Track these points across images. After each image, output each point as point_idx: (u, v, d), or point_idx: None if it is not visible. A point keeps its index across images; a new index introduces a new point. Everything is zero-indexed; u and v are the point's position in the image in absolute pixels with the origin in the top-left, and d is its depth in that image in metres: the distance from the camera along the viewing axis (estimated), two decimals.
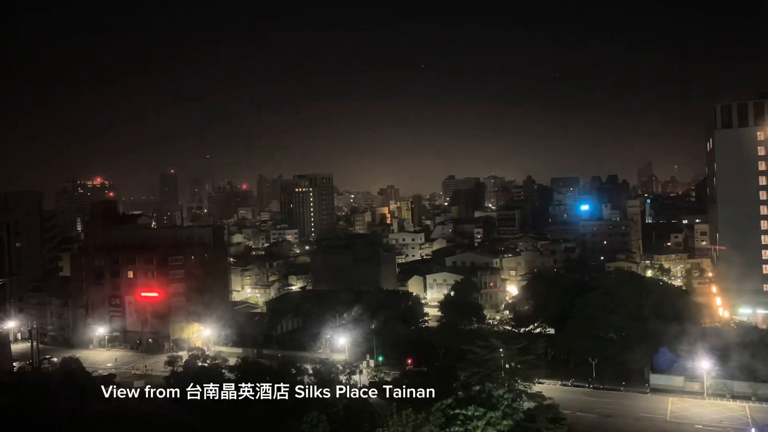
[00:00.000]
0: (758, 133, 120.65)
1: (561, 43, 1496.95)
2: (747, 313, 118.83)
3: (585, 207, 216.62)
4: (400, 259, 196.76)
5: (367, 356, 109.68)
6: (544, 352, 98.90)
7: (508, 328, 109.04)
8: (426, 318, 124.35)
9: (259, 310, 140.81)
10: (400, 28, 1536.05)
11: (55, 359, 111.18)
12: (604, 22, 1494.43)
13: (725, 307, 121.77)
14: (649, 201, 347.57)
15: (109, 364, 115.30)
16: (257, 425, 68.10)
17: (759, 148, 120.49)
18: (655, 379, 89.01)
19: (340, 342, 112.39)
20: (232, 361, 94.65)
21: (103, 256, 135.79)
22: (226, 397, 74.95)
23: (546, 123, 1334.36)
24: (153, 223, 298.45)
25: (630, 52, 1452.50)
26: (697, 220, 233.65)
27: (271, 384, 74.42)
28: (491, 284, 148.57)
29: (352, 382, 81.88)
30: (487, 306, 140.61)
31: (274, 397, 69.42)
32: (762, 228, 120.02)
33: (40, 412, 75.14)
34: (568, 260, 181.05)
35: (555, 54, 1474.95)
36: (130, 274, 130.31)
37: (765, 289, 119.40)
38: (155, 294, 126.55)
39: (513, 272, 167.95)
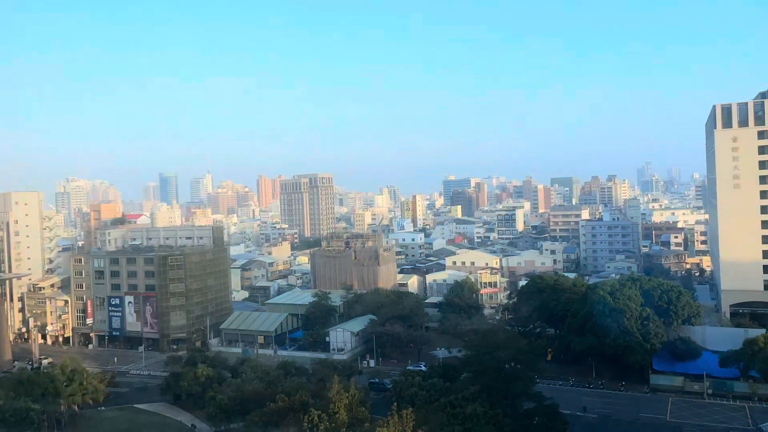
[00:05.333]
0: (758, 133, 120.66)
1: (560, 44, 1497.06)
2: (747, 312, 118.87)
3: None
4: (400, 259, 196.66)
5: (367, 356, 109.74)
6: (544, 352, 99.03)
7: (508, 328, 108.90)
8: (426, 318, 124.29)
9: (259, 310, 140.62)
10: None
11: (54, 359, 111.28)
12: (604, 21, 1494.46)
13: (725, 306, 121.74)
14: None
15: (108, 364, 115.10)
16: (257, 424, 68.10)
17: (759, 148, 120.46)
18: (655, 379, 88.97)
19: (339, 342, 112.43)
20: (231, 361, 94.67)
21: (103, 256, 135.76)
22: (225, 397, 75.29)
23: (546, 123, 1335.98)
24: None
25: (629, 51, 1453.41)
26: (697, 220, 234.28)
27: (268, 384, 74.53)
28: (491, 284, 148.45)
29: (351, 381, 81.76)
30: (487, 306, 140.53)
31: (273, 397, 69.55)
32: (761, 227, 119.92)
33: (40, 411, 75.04)
34: (568, 260, 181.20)
35: (554, 54, 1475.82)
36: (130, 274, 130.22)
37: (764, 289, 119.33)
38: (155, 294, 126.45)
39: (513, 272, 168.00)
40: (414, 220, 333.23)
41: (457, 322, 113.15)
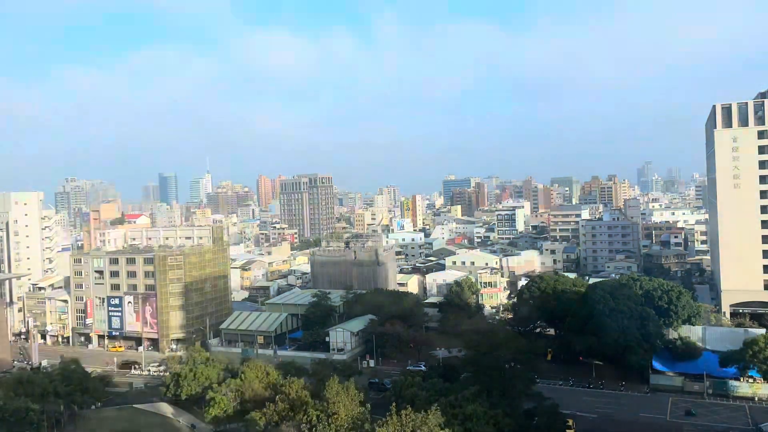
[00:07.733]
0: (758, 133, 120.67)
1: (558, 43, 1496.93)
2: (747, 312, 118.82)
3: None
4: (400, 259, 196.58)
5: (367, 356, 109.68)
6: (544, 352, 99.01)
7: (508, 328, 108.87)
8: (426, 318, 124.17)
9: (259, 310, 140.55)
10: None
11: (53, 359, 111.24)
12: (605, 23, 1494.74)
13: (725, 306, 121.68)
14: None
15: (108, 364, 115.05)
16: (257, 424, 68.05)
17: (759, 147, 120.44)
18: (655, 379, 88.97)
19: (339, 342, 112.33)
20: (231, 361, 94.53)
21: (103, 256, 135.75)
22: (225, 397, 75.28)
23: (545, 122, 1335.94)
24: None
25: (628, 50, 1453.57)
26: (697, 220, 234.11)
27: (268, 384, 74.48)
28: (491, 284, 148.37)
29: (351, 382, 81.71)
30: (487, 306, 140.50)
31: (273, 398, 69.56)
32: (761, 227, 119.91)
33: (40, 411, 74.99)
34: (568, 260, 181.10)
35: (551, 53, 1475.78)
36: (130, 274, 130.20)
37: (764, 289, 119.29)
38: (154, 294, 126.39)
39: (513, 272, 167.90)
40: (414, 220, 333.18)
41: (457, 322, 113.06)
